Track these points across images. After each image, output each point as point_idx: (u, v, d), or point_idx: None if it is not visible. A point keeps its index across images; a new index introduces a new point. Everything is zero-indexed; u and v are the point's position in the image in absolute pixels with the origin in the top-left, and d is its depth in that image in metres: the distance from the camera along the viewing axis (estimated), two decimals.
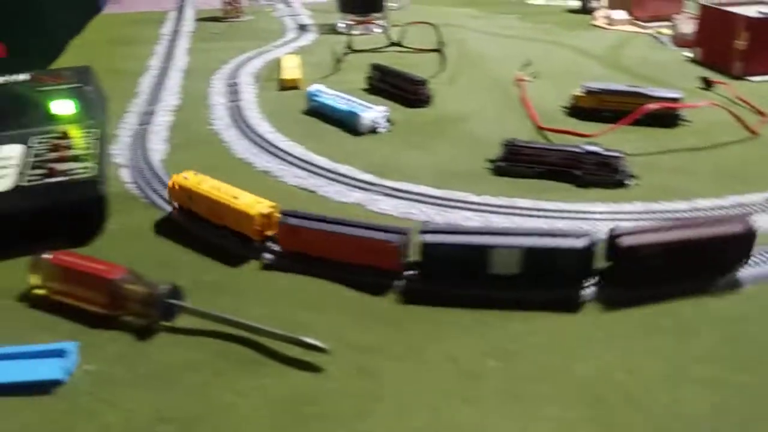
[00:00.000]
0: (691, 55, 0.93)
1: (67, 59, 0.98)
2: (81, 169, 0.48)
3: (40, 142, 0.52)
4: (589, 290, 0.41)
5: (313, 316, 0.40)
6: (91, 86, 0.58)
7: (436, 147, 0.64)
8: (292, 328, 0.37)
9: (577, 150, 0.55)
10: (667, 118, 0.67)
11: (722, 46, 0.86)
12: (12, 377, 0.34)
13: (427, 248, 0.41)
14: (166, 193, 0.53)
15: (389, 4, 1.13)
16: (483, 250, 0.40)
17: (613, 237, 0.41)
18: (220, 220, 0.47)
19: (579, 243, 0.40)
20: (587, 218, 0.49)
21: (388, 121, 0.69)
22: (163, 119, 0.72)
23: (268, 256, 0.46)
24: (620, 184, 0.54)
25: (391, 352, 0.37)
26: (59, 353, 0.35)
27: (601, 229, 0.47)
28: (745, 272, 0.42)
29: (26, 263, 0.42)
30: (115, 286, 0.38)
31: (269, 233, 0.46)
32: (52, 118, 0.55)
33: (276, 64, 0.92)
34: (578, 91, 0.71)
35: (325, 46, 1.04)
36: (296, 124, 0.71)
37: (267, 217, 0.45)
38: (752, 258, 0.42)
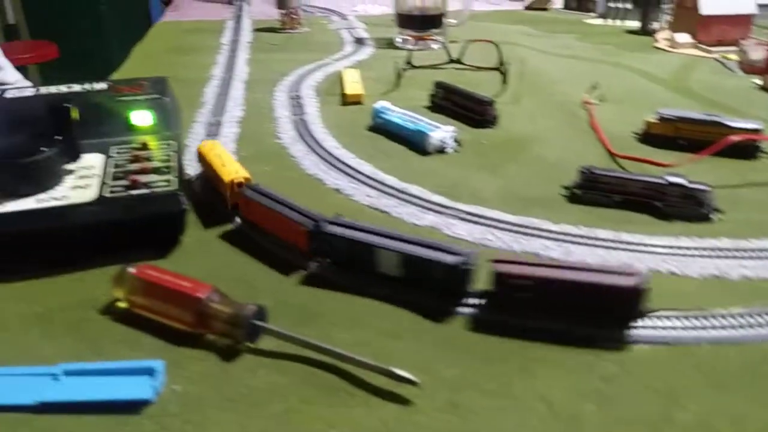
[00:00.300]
0: (760, 82, 0.91)
1: (131, 67, 1.00)
2: (163, 182, 0.48)
3: (119, 153, 0.52)
4: (466, 308, 0.42)
5: (397, 345, 0.39)
6: (168, 97, 0.58)
7: (507, 170, 0.63)
8: (377, 355, 0.37)
9: (660, 181, 0.54)
10: (745, 149, 0.65)
11: None
12: (101, 395, 0.34)
13: (327, 238, 0.45)
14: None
15: (448, 20, 1.12)
16: (369, 249, 0.44)
17: (491, 262, 0.42)
18: (216, 185, 0.55)
19: (450, 259, 0.42)
20: (674, 254, 0.48)
21: (456, 141, 0.68)
22: (230, 131, 0.72)
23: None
24: (705, 218, 0.53)
25: (481, 387, 0.36)
26: (148, 371, 0.35)
27: (690, 266, 0.46)
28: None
29: (105, 276, 0.42)
30: (202, 305, 0.38)
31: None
32: (131, 129, 0.55)
33: (336, 78, 0.92)
34: (651, 118, 0.69)
35: (384, 60, 1.04)
36: (362, 140, 0.70)
37: (240, 185, 0.52)
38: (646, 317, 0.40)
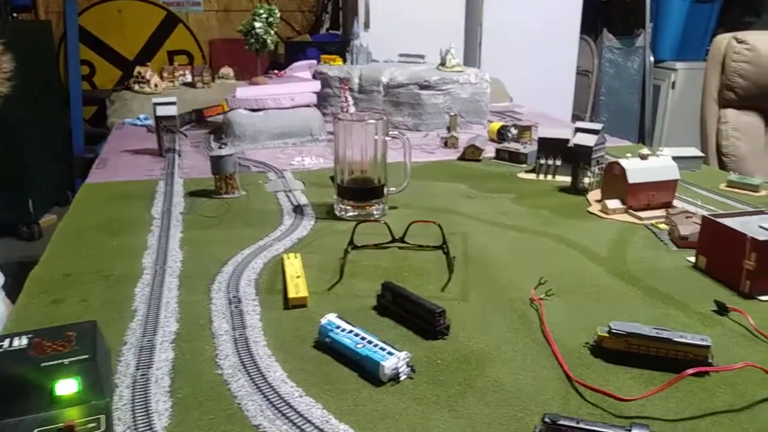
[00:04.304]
0: (693, 260, 0.94)
1: (57, 252, 0.93)
2: None
3: None
4: None
5: None
6: (98, 356, 0.52)
7: (468, 406, 0.60)
8: None
9: None
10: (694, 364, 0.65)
11: (727, 261, 0.86)
12: None
13: None
14: None
15: (389, 188, 1.12)
16: None
17: None
18: None
19: None
20: None
21: (410, 366, 0.65)
22: (163, 356, 0.66)
23: None
24: None
25: None
26: None
27: None
28: None
29: None
30: None
31: None
32: (55, 401, 0.49)
33: (277, 266, 0.89)
34: (601, 331, 0.69)
35: (325, 236, 1.02)
36: (310, 365, 0.66)
37: None
38: None
